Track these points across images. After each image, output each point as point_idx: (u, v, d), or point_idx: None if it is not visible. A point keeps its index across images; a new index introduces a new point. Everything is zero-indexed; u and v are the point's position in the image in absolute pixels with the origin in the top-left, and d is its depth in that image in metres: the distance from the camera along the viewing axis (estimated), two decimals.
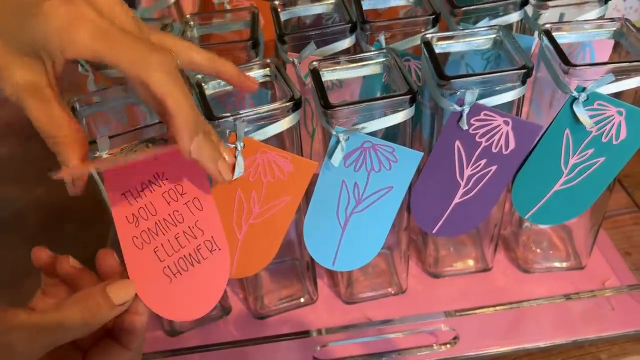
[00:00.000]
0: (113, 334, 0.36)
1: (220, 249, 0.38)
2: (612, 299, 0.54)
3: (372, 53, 0.45)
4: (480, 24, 0.50)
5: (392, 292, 0.56)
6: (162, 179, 0.39)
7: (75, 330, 0.33)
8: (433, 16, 0.49)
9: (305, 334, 0.49)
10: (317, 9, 0.54)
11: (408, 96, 0.41)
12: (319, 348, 0.49)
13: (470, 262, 0.58)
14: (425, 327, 0.49)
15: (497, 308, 0.50)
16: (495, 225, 0.54)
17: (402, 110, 0.41)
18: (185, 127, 0.33)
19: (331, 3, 0.54)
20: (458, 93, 0.43)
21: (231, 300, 0.57)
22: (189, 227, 0.38)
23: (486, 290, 0.56)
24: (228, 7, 0.61)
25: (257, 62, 0.45)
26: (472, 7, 0.50)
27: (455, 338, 0.50)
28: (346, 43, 0.51)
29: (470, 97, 0.42)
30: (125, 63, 0.31)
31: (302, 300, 0.56)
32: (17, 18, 0.31)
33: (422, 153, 0.42)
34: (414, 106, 0.42)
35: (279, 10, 0.53)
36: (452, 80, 0.42)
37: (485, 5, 0.50)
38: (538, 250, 0.58)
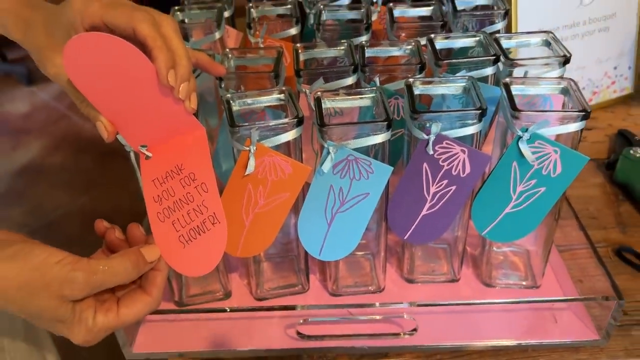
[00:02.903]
0: (140, 285, 0.48)
1: (220, 223, 0.50)
2: (557, 313, 0.63)
3: (364, 89, 0.58)
4: (458, 75, 0.62)
5: (371, 289, 0.67)
6: (181, 169, 0.51)
7: (120, 277, 0.45)
8: (419, 65, 0.62)
9: (292, 308, 0.60)
10: (331, 52, 0.67)
11: (385, 122, 0.53)
12: (301, 321, 0.60)
13: (441, 273, 0.68)
14: (391, 313, 0.60)
15: (454, 305, 0.59)
16: (461, 242, 0.65)
17: (381, 133, 0.53)
18: (159, 58, 0.45)
19: (342, 49, 0.67)
20: (427, 125, 0.54)
21: (233, 289, 0.68)
22: (197, 205, 0.51)
23: (451, 296, 0.66)
24: (262, 45, 0.75)
25: (276, 89, 0.58)
26: (454, 60, 0.62)
27: (414, 329, 0.60)
28: (349, 81, 0.63)
29: (435, 128, 0.53)
30: (120, 20, 0.45)
31: (295, 288, 0.67)
32: (57, 15, 0.48)
33: (392, 167, 0.54)
34: (390, 131, 0.53)
35: (300, 51, 0.66)
36: (422, 114, 0.53)
37: (465, 60, 0.62)
38: (500, 269, 0.68)
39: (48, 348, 0.85)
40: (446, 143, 0.54)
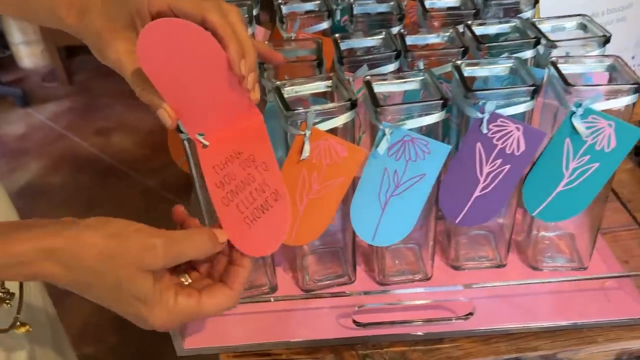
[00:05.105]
0: (221, 280, 0.47)
1: (282, 197, 0.50)
2: (608, 293, 0.63)
3: (412, 72, 0.58)
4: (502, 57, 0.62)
5: (419, 278, 0.66)
6: (240, 153, 0.51)
7: (197, 249, 0.44)
8: (463, 49, 0.62)
9: (346, 294, 0.59)
10: (369, 42, 0.67)
11: (441, 101, 0.53)
12: (357, 308, 0.59)
13: (487, 259, 0.68)
14: (447, 296, 0.59)
15: (510, 284, 0.59)
16: (508, 228, 0.65)
17: (436, 113, 0.53)
18: (232, 48, 0.44)
19: (380, 38, 0.67)
20: (480, 103, 0.54)
21: (279, 283, 0.67)
22: (259, 184, 0.50)
23: (501, 280, 0.65)
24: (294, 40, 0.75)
25: (322, 76, 0.58)
26: (495, 44, 0.63)
27: (470, 314, 0.60)
28: (391, 67, 0.63)
29: (490, 106, 0.53)
30: (188, 8, 0.44)
31: (342, 279, 0.66)
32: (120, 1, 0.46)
33: (451, 146, 0.53)
34: (444, 110, 0.53)
35: (339, 41, 0.66)
36: (476, 92, 0.54)
37: (505, 43, 0.63)
38: (546, 253, 0.68)
39: None
40: (500, 121, 0.54)
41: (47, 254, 0.39)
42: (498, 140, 0.55)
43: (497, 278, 0.66)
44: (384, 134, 0.53)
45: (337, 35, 0.67)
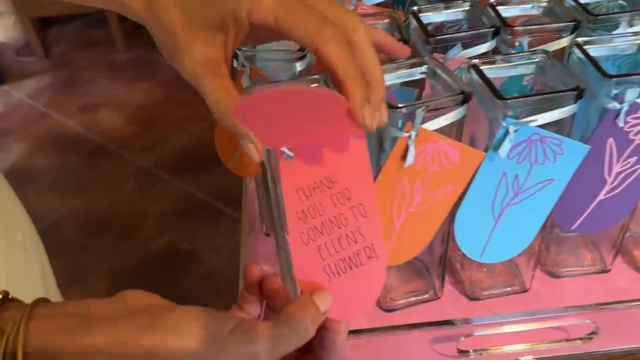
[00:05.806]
0: (312, 352, 0.37)
1: (378, 258, 0.39)
2: None
3: (526, 54, 0.48)
4: (617, 31, 0.52)
5: (516, 290, 0.57)
6: (332, 182, 0.40)
7: (301, 339, 0.34)
8: (574, 23, 0.52)
9: (449, 323, 0.50)
10: (451, 15, 0.57)
11: (575, 92, 0.43)
12: (463, 339, 0.51)
13: (589, 264, 0.59)
14: (567, 319, 0.51)
15: None
16: (622, 228, 0.56)
17: (569, 105, 0.44)
18: (355, 95, 0.33)
19: (464, 10, 0.57)
20: (617, 91, 0.45)
21: None
22: (351, 231, 0.39)
23: (607, 289, 0.57)
24: None
25: (416, 60, 0.48)
26: (606, 15, 0.53)
27: (592, 333, 0.51)
28: (485, 47, 0.53)
29: (631, 95, 0.44)
30: (300, 30, 0.33)
31: (426, 296, 0.58)
32: None
33: (590, 146, 0.44)
34: (578, 102, 0.44)
35: (419, 14, 0.56)
36: (616, 79, 0.44)
37: (621, 15, 0.53)
38: None
39: None
40: None
41: None
42: (636, 134, 0.46)
43: (602, 285, 0.58)
44: (506, 133, 0.43)
45: (415, 8, 0.56)
